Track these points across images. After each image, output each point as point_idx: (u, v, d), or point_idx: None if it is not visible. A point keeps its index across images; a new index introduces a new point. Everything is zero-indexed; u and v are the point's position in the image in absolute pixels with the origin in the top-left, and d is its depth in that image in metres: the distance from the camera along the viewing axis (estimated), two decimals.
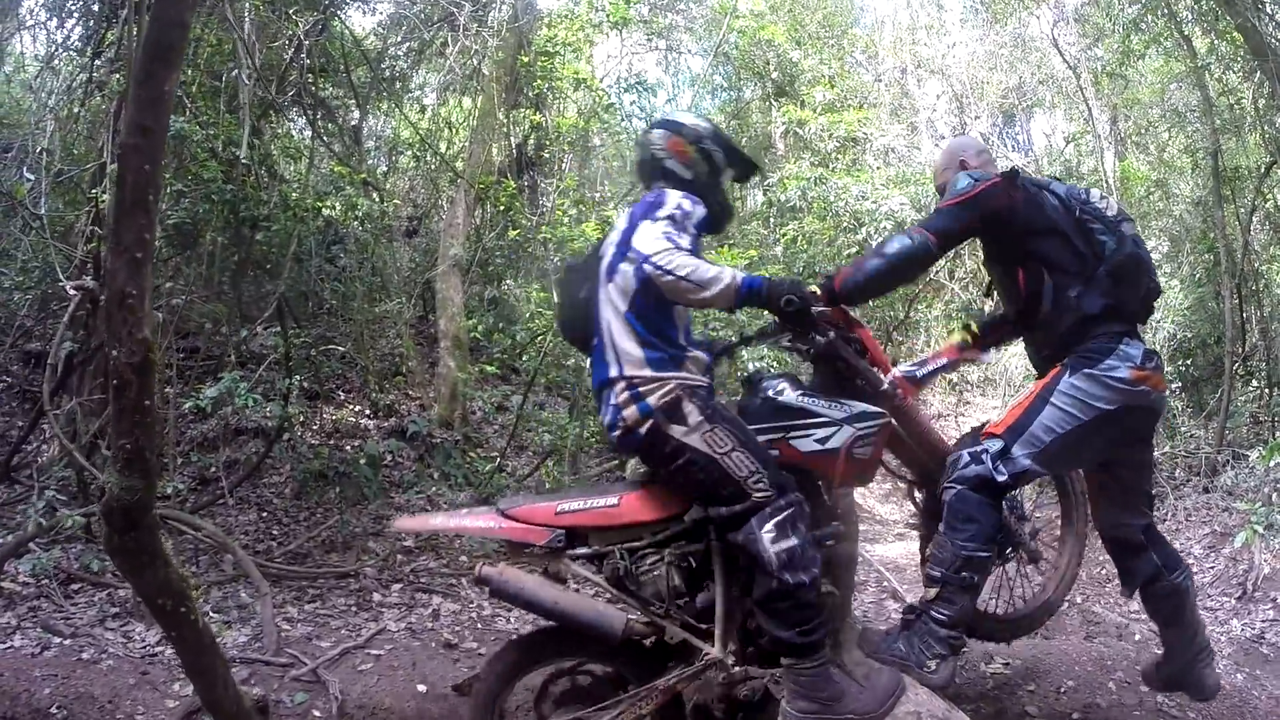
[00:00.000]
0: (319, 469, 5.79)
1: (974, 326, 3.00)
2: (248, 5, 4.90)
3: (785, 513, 2.30)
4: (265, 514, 5.76)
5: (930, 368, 2.85)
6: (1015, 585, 3.16)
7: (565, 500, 2.49)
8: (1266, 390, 7.43)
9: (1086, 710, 3.17)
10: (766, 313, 2.53)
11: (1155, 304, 2.88)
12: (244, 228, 5.01)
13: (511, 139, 9.96)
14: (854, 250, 8.13)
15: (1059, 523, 3.30)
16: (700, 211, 2.43)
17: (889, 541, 7.05)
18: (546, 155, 9.69)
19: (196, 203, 4.80)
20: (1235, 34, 6.93)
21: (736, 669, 2.41)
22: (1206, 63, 6.92)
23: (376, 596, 4.78)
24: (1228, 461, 6.71)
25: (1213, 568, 5.80)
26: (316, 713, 3.17)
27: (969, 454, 2.60)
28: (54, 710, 3.02)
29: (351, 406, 7.63)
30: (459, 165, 9.49)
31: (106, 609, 4.08)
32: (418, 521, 3.30)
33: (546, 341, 6.55)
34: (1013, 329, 3.03)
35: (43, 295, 6.12)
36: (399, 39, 8.27)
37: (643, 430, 2.38)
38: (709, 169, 2.63)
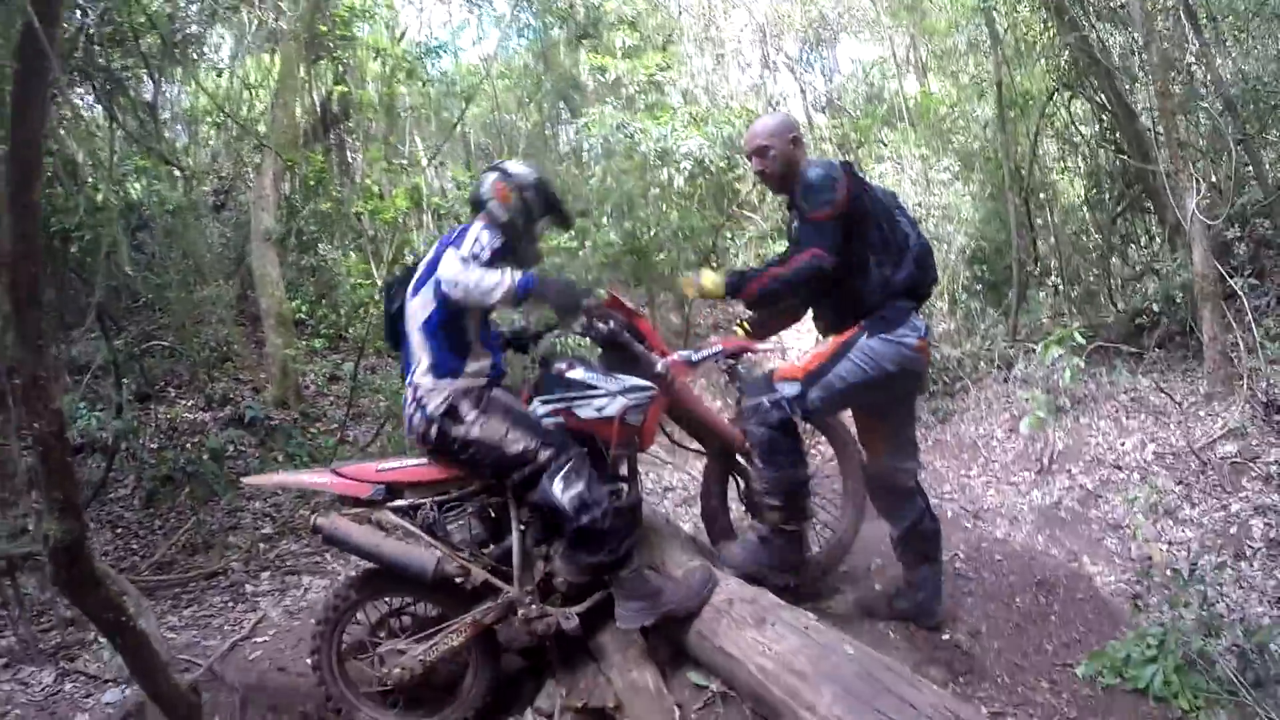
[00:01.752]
0: (165, 473, 5.84)
1: (747, 326, 3.60)
2: None
3: (566, 465, 2.90)
4: (120, 529, 5.74)
5: (704, 354, 3.42)
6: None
7: (386, 460, 3.13)
8: (1061, 287, 8.67)
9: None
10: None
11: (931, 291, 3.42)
12: (54, 241, 4.92)
13: (315, 95, 9.82)
14: (657, 192, 8.78)
15: (840, 479, 3.83)
16: (496, 243, 2.91)
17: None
18: (352, 124, 9.64)
19: None
20: None
21: (533, 607, 3.00)
22: (987, 2, 7.74)
23: (249, 588, 5.01)
24: (1020, 354, 7.79)
25: (1013, 448, 6.82)
26: (220, 707, 3.45)
27: (769, 401, 3.11)
28: None
29: (185, 402, 7.54)
30: (261, 129, 9.33)
31: None
32: (263, 479, 3.62)
33: (371, 310, 6.77)
34: (787, 318, 3.61)
35: None
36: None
37: (432, 433, 2.94)
38: (524, 214, 3.12)
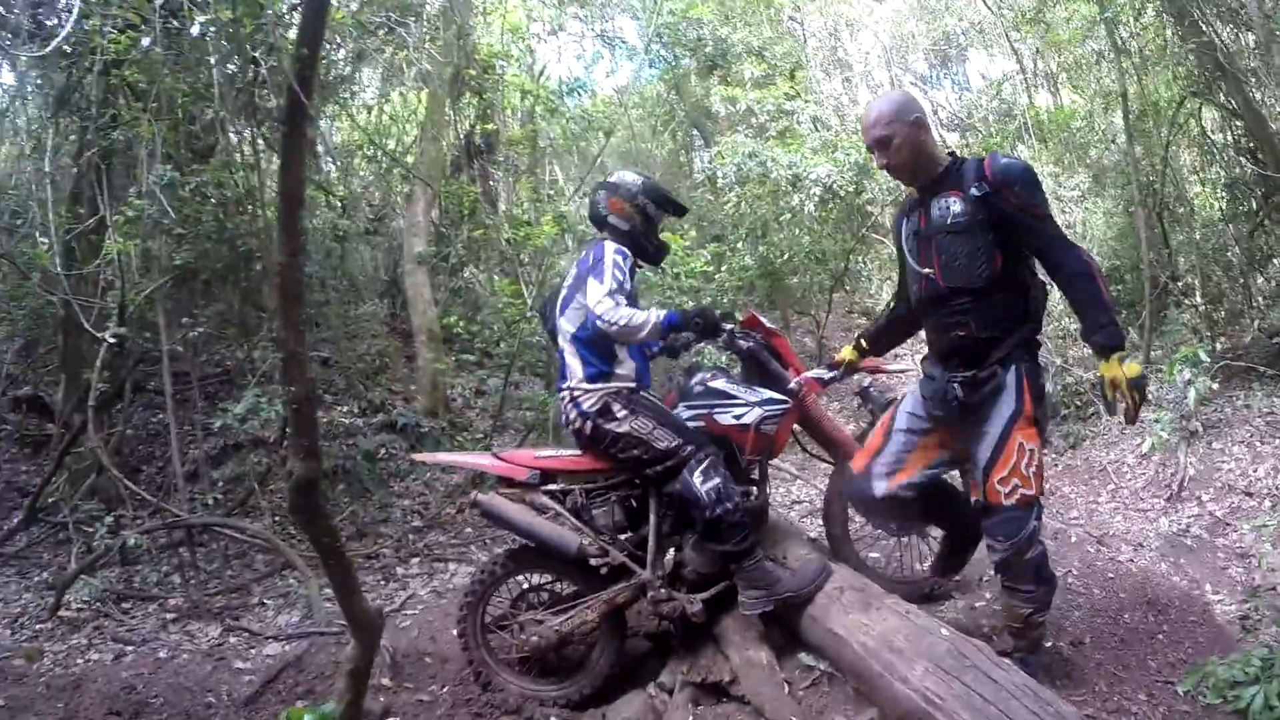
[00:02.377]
0: (326, 469, 6.60)
1: (863, 343, 3.75)
2: (213, 52, 5.53)
3: (706, 460, 3.28)
4: (278, 517, 6.49)
5: (837, 373, 3.74)
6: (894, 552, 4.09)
7: (544, 449, 3.68)
8: (1203, 306, 8.38)
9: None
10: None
11: None
12: (243, 260, 5.77)
13: (459, 128, 10.67)
14: (788, 216, 9.01)
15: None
16: (628, 263, 3.39)
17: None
18: (497, 156, 10.44)
19: (198, 243, 5.55)
20: None
21: (662, 590, 3.41)
22: (1108, 11, 7.62)
23: (400, 570, 5.65)
24: (1152, 376, 7.63)
25: (1144, 474, 6.69)
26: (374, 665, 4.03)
27: (1024, 536, 3.01)
28: (152, 699, 3.76)
29: (341, 408, 8.38)
30: (410, 160, 10.23)
31: (163, 617, 4.90)
32: (431, 456, 4.29)
33: (520, 329, 7.33)
34: (902, 330, 3.65)
35: (26, 344, 6.82)
36: (338, 44, 8.82)
37: (586, 429, 3.38)
38: (643, 219, 3.57)
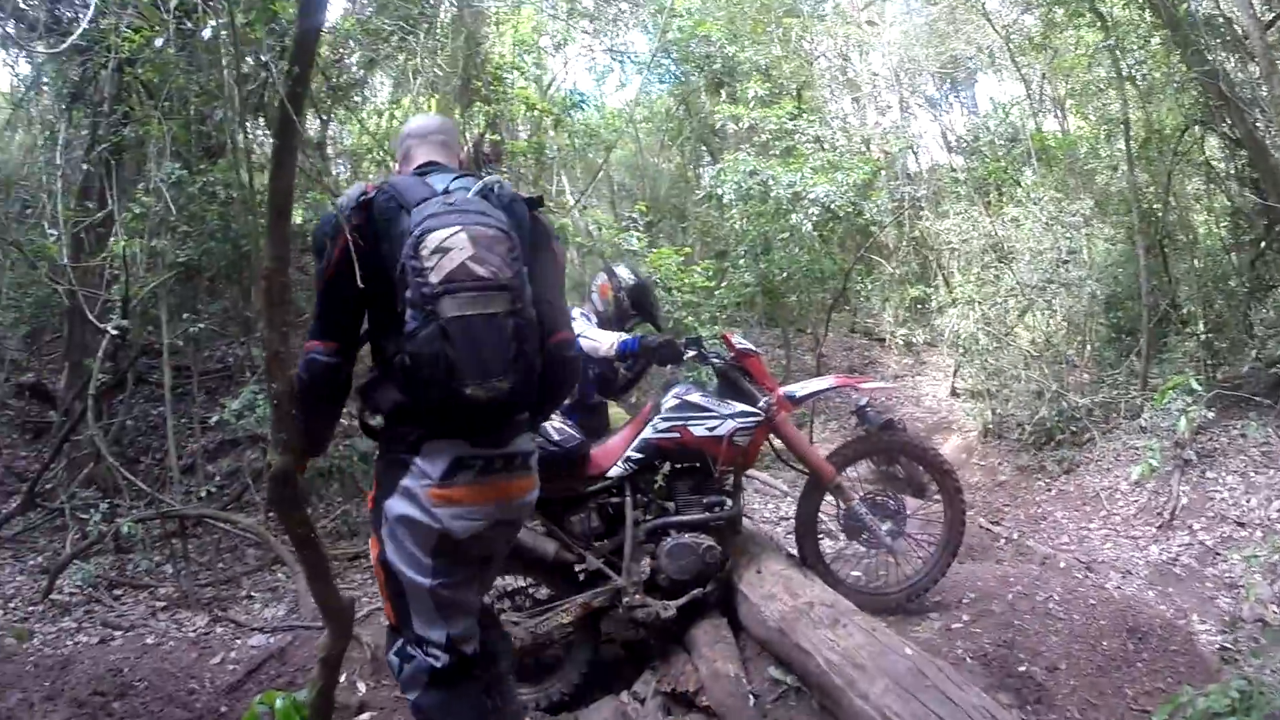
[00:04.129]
0: (322, 468, 6.63)
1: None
2: (225, 53, 5.59)
3: None
4: (271, 514, 6.58)
5: (809, 390, 3.92)
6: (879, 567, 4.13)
7: None
8: (1204, 335, 8.33)
9: (980, 615, 3.83)
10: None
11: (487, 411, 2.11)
12: (246, 259, 5.83)
13: (468, 134, 10.75)
14: (785, 235, 9.12)
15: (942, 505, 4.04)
16: (593, 319, 3.98)
17: None
18: (504, 167, 10.52)
19: (202, 241, 5.62)
20: (1149, 5, 7.73)
21: (637, 596, 3.46)
22: (1111, 40, 7.66)
23: None
24: (1145, 403, 7.60)
25: (1136, 501, 6.67)
26: (354, 661, 4.04)
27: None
28: (137, 683, 3.80)
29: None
30: None
31: (153, 604, 4.95)
32: None
33: None
34: None
35: (31, 331, 6.90)
36: (350, 48, 8.91)
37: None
38: (616, 311, 4.05)
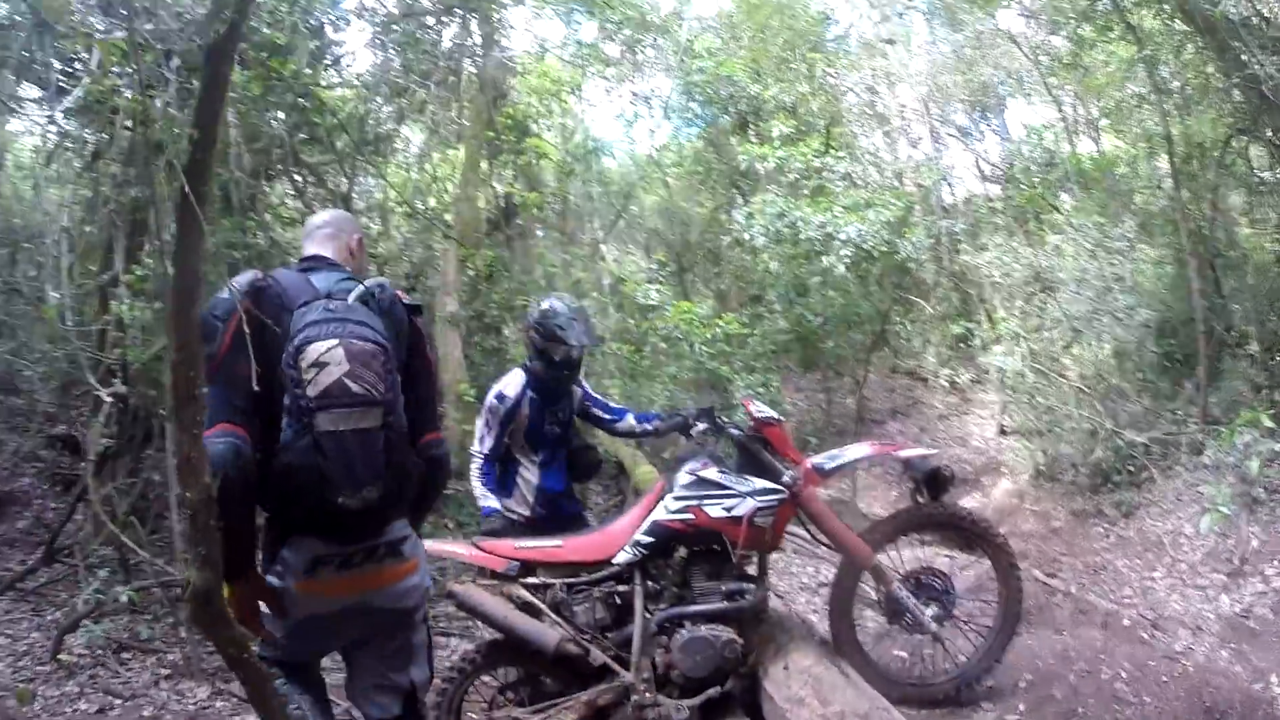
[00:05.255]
0: None
1: None
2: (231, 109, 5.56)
3: None
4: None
5: (840, 461, 3.49)
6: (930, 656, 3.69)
7: (524, 539, 3.46)
8: (1261, 355, 7.73)
9: (1040, 703, 3.46)
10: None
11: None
12: None
13: (497, 186, 10.73)
14: (817, 280, 8.83)
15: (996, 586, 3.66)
16: (502, 409, 3.81)
17: None
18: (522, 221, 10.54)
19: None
20: (1181, 13, 7.31)
21: (647, 694, 3.11)
22: (1146, 51, 7.27)
23: None
24: (1207, 438, 7.04)
25: (1202, 545, 6.11)
26: None
27: None
28: None
29: None
30: (448, 218, 10.31)
31: (158, 672, 4.79)
32: None
33: None
34: None
35: (63, 384, 6.91)
36: (380, 102, 8.96)
37: None
38: (533, 349, 3.85)
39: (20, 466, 7.05)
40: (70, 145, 6.16)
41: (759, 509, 3.23)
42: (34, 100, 5.68)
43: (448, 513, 7.56)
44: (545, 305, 3.84)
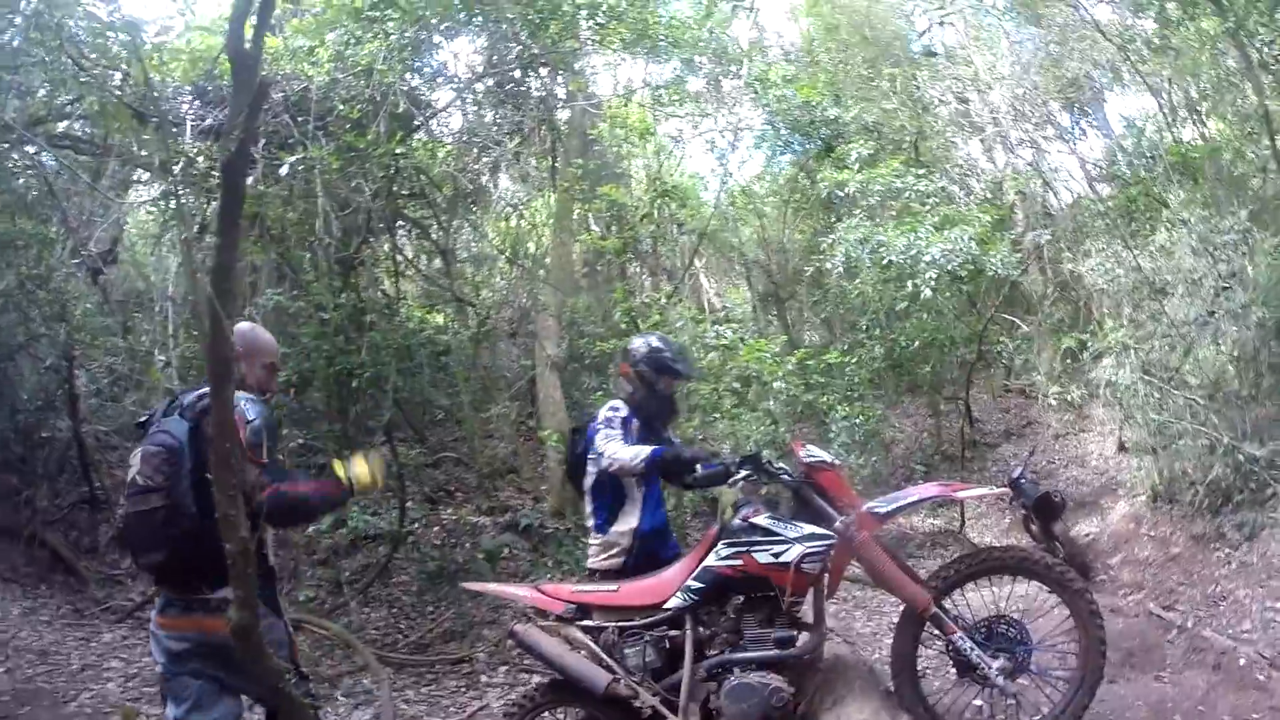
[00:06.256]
0: (436, 568, 6.79)
1: None
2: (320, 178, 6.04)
3: None
4: (394, 609, 6.77)
5: (897, 504, 3.46)
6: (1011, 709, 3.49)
7: (583, 584, 3.69)
8: None
9: None
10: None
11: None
12: (341, 376, 6.22)
13: (592, 230, 11.05)
14: (904, 305, 8.64)
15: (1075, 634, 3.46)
16: (624, 412, 3.71)
17: None
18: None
19: (300, 361, 6.04)
20: None
21: None
22: (1230, 23, 6.66)
23: (484, 678, 5.67)
24: None
25: None
26: None
27: None
28: None
29: (469, 505, 8.67)
30: (547, 262, 10.72)
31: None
32: (478, 585, 4.24)
33: None
34: None
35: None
36: (474, 155, 9.40)
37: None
38: (642, 383, 3.86)
39: None
40: (173, 221, 6.84)
41: (807, 554, 3.23)
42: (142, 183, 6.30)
43: (547, 551, 7.84)
44: (653, 341, 3.97)
